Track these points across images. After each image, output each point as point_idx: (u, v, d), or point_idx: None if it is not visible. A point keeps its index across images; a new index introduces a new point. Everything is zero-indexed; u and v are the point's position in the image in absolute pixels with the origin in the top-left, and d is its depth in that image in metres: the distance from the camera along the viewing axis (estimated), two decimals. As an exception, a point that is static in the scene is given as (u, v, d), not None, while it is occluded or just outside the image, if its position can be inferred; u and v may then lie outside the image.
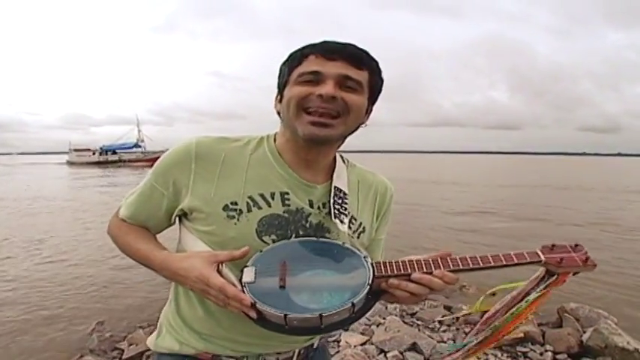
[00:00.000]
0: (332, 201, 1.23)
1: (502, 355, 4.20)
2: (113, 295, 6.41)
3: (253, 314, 1.02)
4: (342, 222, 1.22)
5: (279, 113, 1.23)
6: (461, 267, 1.10)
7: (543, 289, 1.16)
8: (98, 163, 64.28)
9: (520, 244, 10.33)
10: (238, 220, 1.16)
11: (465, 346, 1.29)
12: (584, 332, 4.61)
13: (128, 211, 1.29)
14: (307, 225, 1.21)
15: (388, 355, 4.05)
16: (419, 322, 4.99)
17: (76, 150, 71.62)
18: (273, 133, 1.29)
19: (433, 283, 1.09)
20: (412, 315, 5.25)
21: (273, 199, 1.19)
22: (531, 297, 1.17)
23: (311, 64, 1.13)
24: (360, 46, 1.18)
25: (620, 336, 4.24)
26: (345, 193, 1.28)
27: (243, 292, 1.03)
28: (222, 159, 1.20)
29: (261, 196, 1.19)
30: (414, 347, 4.17)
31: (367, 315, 5.08)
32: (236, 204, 1.16)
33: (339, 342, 4.40)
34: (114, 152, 71.63)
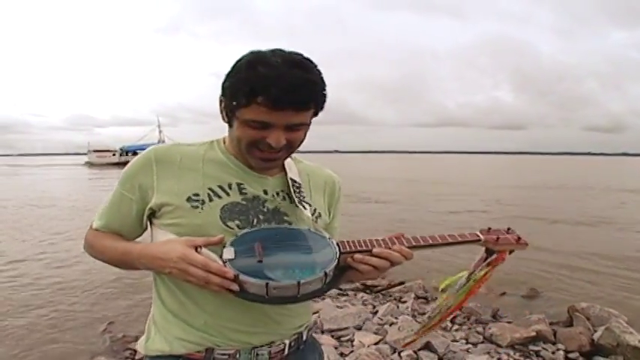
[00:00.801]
0: (292, 190, 1.37)
1: (515, 353, 4.25)
2: (122, 295, 6.46)
3: (235, 287, 1.11)
4: (304, 208, 1.36)
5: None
6: (414, 244, 1.27)
7: (486, 266, 1.35)
8: (118, 164, 63.51)
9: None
10: (202, 209, 1.27)
11: (423, 327, 1.50)
12: (595, 331, 4.66)
13: (101, 221, 1.37)
14: (265, 210, 1.34)
15: (402, 354, 4.09)
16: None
17: (95, 151, 71.78)
18: (221, 137, 1.40)
19: (392, 256, 1.24)
20: (423, 314, 5.30)
21: (230, 189, 1.32)
22: (478, 274, 1.36)
23: (259, 114, 1.17)
24: (313, 66, 1.22)
25: (632, 334, 4.29)
26: (299, 184, 1.42)
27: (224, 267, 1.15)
28: (180, 159, 1.33)
29: (220, 187, 1.31)
30: (427, 346, 4.22)
31: (379, 315, 5.19)
32: (198, 195, 1.28)
33: (352, 342, 4.46)
34: (134, 153, 70.70)
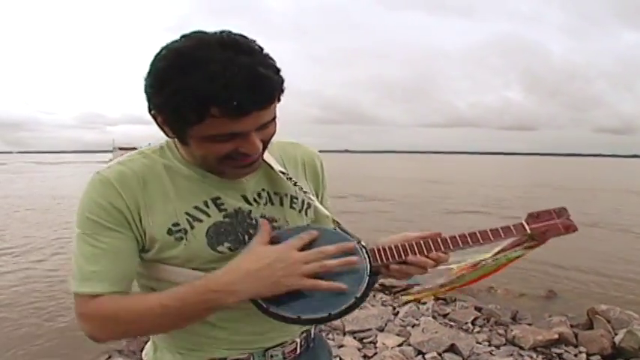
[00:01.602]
0: (270, 194, 1.21)
1: (538, 356, 4.30)
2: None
3: (343, 287, 1.03)
4: (292, 208, 1.23)
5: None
6: (451, 247, 1.13)
7: (523, 249, 1.21)
8: None
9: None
10: (187, 239, 1.08)
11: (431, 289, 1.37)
12: (616, 334, 4.70)
13: (100, 282, 1.04)
14: (253, 222, 1.15)
15: (426, 356, 4.16)
16: (452, 323, 5.08)
17: (121, 148, 69.65)
18: (171, 140, 1.14)
19: (428, 264, 1.12)
20: (444, 316, 5.36)
21: (207, 207, 1.11)
22: (512, 255, 1.22)
23: (221, 127, 0.96)
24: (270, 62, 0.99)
25: (654, 338, 4.32)
26: (287, 172, 1.23)
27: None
28: (142, 183, 1.08)
29: (196, 208, 1.10)
30: (452, 348, 4.28)
31: (400, 316, 5.24)
32: (178, 225, 1.08)
33: (375, 343, 4.51)
34: None
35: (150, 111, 1.03)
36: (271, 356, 1.22)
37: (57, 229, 12.06)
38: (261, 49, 1.00)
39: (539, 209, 1.21)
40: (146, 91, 1.01)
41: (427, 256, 1.13)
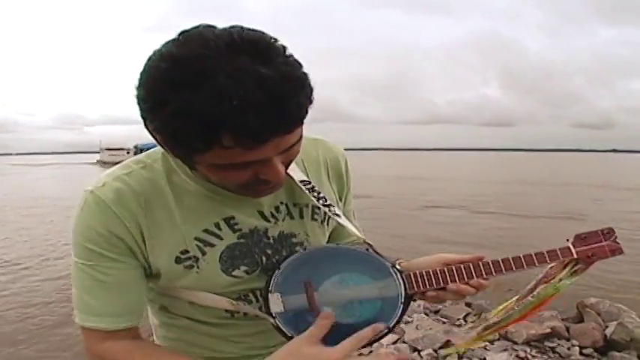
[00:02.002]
0: (289, 207, 1.10)
1: (532, 350, 4.32)
2: None
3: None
4: (314, 219, 1.13)
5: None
6: (494, 273, 1.05)
7: (570, 275, 1.12)
8: None
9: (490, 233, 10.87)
10: (198, 267, 0.98)
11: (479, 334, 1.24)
12: (607, 327, 4.75)
13: (108, 317, 0.97)
14: (270, 241, 1.05)
15: (422, 353, 4.15)
16: (444, 320, 5.09)
17: (108, 149, 68.87)
18: None
19: (468, 292, 1.05)
20: (436, 312, 5.36)
21: (220, 229, 1.00)
22: (562, 285, 1.10)
23: (235, 155, 0.78)
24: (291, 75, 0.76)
25: (646, 329, 4.37)
26: (309, 181, 1.11)
27: (276, 323, 0.99)
28: (143, 203, 0.95)
29: (207, 232, 0.99)
30: (447, 345, 4.27)
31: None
32: (187, 252, 0.97)
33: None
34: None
35: (146, 126, 0.84)
36: None
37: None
38: (284, 51, 0.78)
39: (587, 229, 1.12)
40: (138, 105, 0.81)
41: (467, 283, 1.05)
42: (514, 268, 1.05)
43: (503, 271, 1.05)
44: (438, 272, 1.05)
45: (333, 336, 0.96)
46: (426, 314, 5.23)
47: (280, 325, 0.99)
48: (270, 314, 0.99)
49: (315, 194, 1.09)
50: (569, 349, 4.37)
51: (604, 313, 5.06)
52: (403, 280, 1.04)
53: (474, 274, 1.05)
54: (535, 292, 1.14)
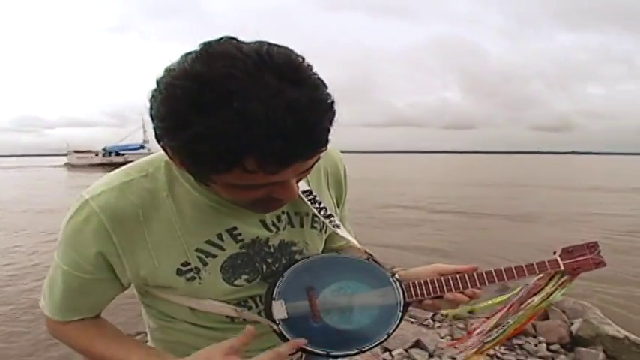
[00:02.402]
0: (309, 205, 1.12)
1: (500, 347, 4.35)
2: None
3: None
4: (313, 227, 1.15)
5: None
6: (487, 283, 1.13)
7: (559, 286, 1.21)
8: (102, 165, 59.31)
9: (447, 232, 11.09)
10: (200, 278, 0.99)
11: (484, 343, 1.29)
12: (572, 323, 4.83)
13: (64, 312, 1.04)
14: (271, 250, 1.06)
15: (394, 352, 4.14)
16: (412, 320, 5.11)
17: (76, 152, 67.68)
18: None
19: (463, 300, 1.12)
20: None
21: (222, 240, 1.00)
22: (553, 297, 1.22)
23: (255, 178, 0.78)
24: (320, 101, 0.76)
25: (610, 325, 4.50)
26: (310, 191, 1.13)
27: (279, 329, 1.00)
28: (141, 215, 0.94)
29: (209, 242, 0.99)
30: (417, 344, 4.29)
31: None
32: (188, 264, 0.97)
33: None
34: (118, 154, 67.54)
35: (157, 139, 0.83)
36: None
37: None
38: (310, 71, 0.77)
39: (572, 243, 1.22)
40: (154, 120, 0.80)
41: (462, 292, 1.12)
42: (506, 278, 1.14)
43: (496, 281, 1.13)
44: (435, 282, 1.11)
45: (333, 342, 1.01)
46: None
47: (283, 331, 1.00)
48: (273, 320, 1.00)
49: (317, 205, 1.11)
50: (536, 345, 4.43)
51: (569, 311, 5.15)
52: (402, 289, 1.10)
53: (468, 283, 1.12)
54: (525, 304, 1.22)
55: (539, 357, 4.25)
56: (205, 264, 0.99)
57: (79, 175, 40.40)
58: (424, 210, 15.91)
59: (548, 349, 4.40)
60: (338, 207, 1.24)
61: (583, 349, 4.34)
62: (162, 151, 0.90)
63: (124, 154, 67.36)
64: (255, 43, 0.76)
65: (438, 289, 1.11)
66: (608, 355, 4.27)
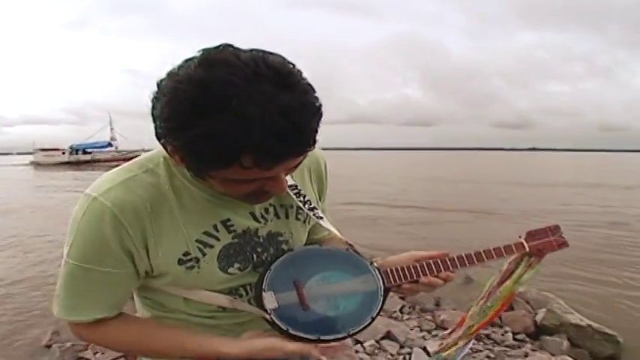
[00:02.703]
0: (295, 199, 1.20)
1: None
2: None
3: (316, 353, 1.05)
4: (297, 219, 1.23)
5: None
6: (459, 266, 1.22)
7: (529, 267, 1.32)
8: (69, 164, 58.72)
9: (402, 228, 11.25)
10: (199, 267, 1.05)
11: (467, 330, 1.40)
12: (536, 313, 4.98)
13: (92, 311, 1.05)
14: (260, 240, 1.14)
15: (365, 344, 4.17)
16: (382, 313, 5.16)
17: (42, 150, 65.61)
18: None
19: (438, 283, 1.20)
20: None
21: (217, 231, 1.07)
22: (524, 278, 1.32)
23: (249, 174, 0.87)
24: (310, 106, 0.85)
25: (573, 314, 4.67)
26: (295, 185, 1.21)
27: (271, 318, 1.06)
28: (149, 207, 0.99)
29: (206, 234, 1.06)
30: (388, 335, 4.34)
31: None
32: (189, 254, 1.04)
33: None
34: (85, 152, 66.45)
35: (157, 137, 0.91)
36: None
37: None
38: (301, 76, 0.86)
39: (536, 227, 1.33)
40: (157, 120, 0.88)
41: (437, 276, 1.20)
42: (476, 261, 1.23)
43: (467, 265, 1.23)
44: (411, 267, 1.20)
45: (322, 327, 1.08)
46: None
47: (275, 320, 1.05)
48: (265, 311, 1.06)
49: (302, 198, 1.20)
50: (503, 335, 4.53)
51: (532, 301, 5.30)
52: (381, 275, 1.17)
53: (442, 267, 1.20)
54: (501, 288, 1.34)
55: (506, 346, 4.35)
56: (204, 254, 1.05)
57: (46, 175, 38.98)
58: (386, 206, 15.98)
59: (514, 339, 4.51)
60: (320, 200, 1.33)
61: (548, 337, 4.48)
62: (159, 148, 1.00)
63: (90, 152, 66.57)
64: (252, 50, 0.84)
65: (414, 273, 1.19)
66: (573, 343, 4.42)
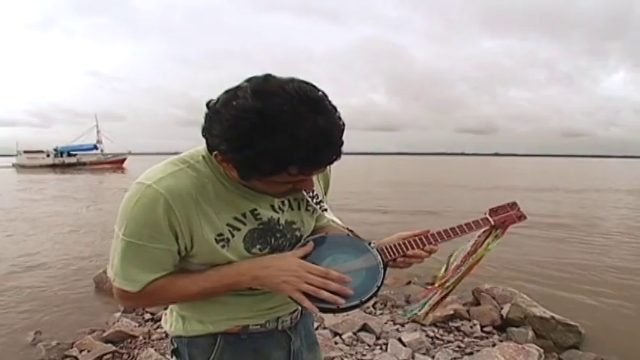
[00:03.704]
0: (290, 201, 1.39)
1: (439, 330, 4.68)
2: (41, 304, 6.13)
3: (351, 292, 1.24)
4: (307, 210, 1.44)
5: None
6: (439, 240, 1.42)
7: (495, 238, 1.52)
8: (54, 166, 57.70)
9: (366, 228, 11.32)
10: (228, 246, 1.25)
11: (432, 297, 1.58)
12: (502, 308, 5.27)
13: (141, 277, 1.22)
14: (280, 227, 1.34)
15: (343, 336, 4.35)
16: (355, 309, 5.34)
17: (26, 152, 63.52)
18: (204, 152, 1.23)
19: (423, 255, 1.40)
20: (346, 302, 5.61)
21: (245, 217, 1.27)
22: (491, 246, 1.53)
23: (293, 178, 1.10)
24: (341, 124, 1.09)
25: (537, 307, 4.95)
26: None
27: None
28: (194, 199, 1.18)
29: (235, 219, 1.25)
30: (364, 327, 4.55)
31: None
32: (222, 235, 1.23)
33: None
34: (70, 154, 64.64)
35: (212, 149, 1.12)
36: (282, 322, 1.45)
37: None
38: (328, 100, 1.07)
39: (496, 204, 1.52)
40: (217, 140, 1.08)
41: (423, 249, 1.40)
42: (452, 235, 1.43)
43: (445, 238, 1.43)
44: (401, 244, 1.41)
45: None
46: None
47: None
48: None
49: (311, 194, 1.42)
50: (471, 327, 4.78)
51: (498, 297, 5.58)
52: (379, 252, 1.38)
53: (425, 242, 1.41)
54: (474, 255, 1.54)
55: (475, 337, 4.61)
56: (233, 235, 1.26)
57: (30, 178, 38.01)
58: (340, 209, 16.14)
59: (482, 331, 4.77)
60: (325, 194, 1.55)
61: (514, 329, 4.76)
62: (199, 147, 1.24)
63: (75, 154, 65.06)
64: (290, 80, 1.05)
65: (404, 249, 1.39)
66: (538, 335, 4.71)
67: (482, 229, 1.52)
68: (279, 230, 1.35)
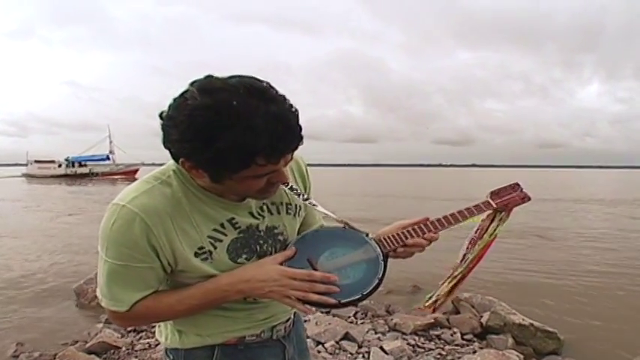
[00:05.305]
0: (288, 195, 1.40)
1: (419, 338, 4.71)
2: (22, 316, 6.05)
3: (337, 289, 1.22)
4: (288, 213, 1.40)
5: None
6: (439, 228, 1.37)
7: (498, 221, 1.47)
8: (65, 176, 56.66)
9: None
10: (212, 258, 1.23)
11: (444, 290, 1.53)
12: (482, 316, 5.32)
13: (128, 297, 1.21)
14: (261, 233, 1.32)
15: (326, 345, 4.35)
16: (336, 319, 5.36)
17: (37, 161, 62.05)
18: (175, 167, 1.23)
19: (423, 243, 1.36)
20: (327, 313, 5.62)
21: (224, 227, 1.25)
22: (498, 230, 1.47)
23: (264, 169, 1.10)
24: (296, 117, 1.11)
25: (515, 315, 5.02)
26: (287, 182, 1.34)
27: None
28: (169, 215, 1.18)
29: (215, 230, 1.24)
30: (347, 336, 4.56)
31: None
32: (203, 248, 1.22)
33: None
34: (81, 164, 63.43)
35: (176, 158, 1.12)
36: (277, 331, 1.45)
37: None
38: (275, 89, 1.09)
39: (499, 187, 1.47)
40: (177, 145, 1.08)
41: (423, 238, 1.37)
42: (453, 222, 1.38)
43: (446, 226, 1.38)
44: (400, 234, 1.37)
45: (339, 293, 1.24)
46: (321, 313, 5.47)
47: None
48: None
49: (295, 192, 1.40)
50: (452, 335, 4.81)
51: (477, 305, 5.65)
52: (377, 243, 1.34)
53: (425, 230, 1.37)
54: (480, 241, 1.49)
55: (456, 345, 4.64)
56: (215, 247, 1.24)
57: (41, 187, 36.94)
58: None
59: (463, 339, 4.81)
60: (308, 194, 1.50)
61: (494, 336, 4.82)
62: (169, 162, 1.23)
63: (86, 165, 63.92)
64: (232, 76, 1.07)
65: (403, 238, 1.35)
66: (518, 342, 4.77)
67: (485, 213, 1.47)
68: (261, 237, 1.33)
